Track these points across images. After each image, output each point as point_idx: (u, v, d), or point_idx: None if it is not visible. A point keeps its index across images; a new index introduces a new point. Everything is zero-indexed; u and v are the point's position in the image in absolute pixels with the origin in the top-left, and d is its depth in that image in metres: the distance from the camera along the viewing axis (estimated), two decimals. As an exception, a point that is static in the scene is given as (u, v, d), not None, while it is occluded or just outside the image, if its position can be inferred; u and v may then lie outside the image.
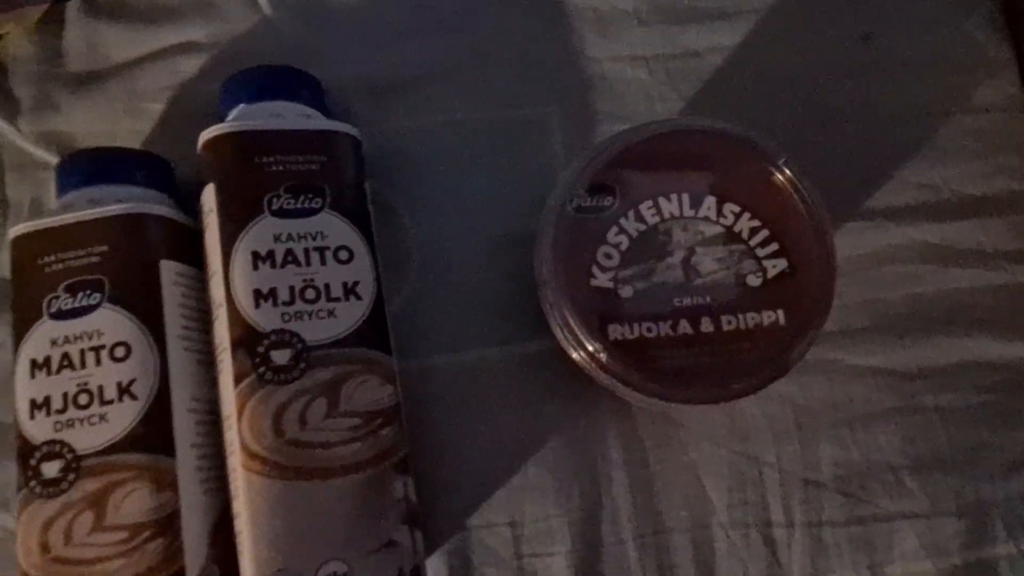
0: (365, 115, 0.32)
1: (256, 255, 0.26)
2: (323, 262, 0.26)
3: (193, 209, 0.28)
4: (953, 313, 0.32)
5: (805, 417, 0.31)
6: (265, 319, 0.25)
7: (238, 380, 0.25)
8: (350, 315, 0.26)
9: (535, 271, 0.26)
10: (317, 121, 0.28)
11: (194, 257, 0.28)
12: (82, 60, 0.33)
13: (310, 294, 0.26)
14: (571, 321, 0.24)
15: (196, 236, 0.28)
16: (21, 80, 0.32)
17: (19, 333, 0.25)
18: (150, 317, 0.26)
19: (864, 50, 0.34)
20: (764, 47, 0.34)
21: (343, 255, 0.27)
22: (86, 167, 0.28)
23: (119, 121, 0.32)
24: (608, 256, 0.25)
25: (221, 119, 0.29)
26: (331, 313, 0.26)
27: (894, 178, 0.33)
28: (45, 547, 0.24)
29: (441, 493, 0.29)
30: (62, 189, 0.28)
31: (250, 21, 0.33)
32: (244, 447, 0.24)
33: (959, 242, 0.32)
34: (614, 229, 0.25)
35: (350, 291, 0.26)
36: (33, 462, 0.24)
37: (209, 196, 0.26)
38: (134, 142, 0.32)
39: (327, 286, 0.26)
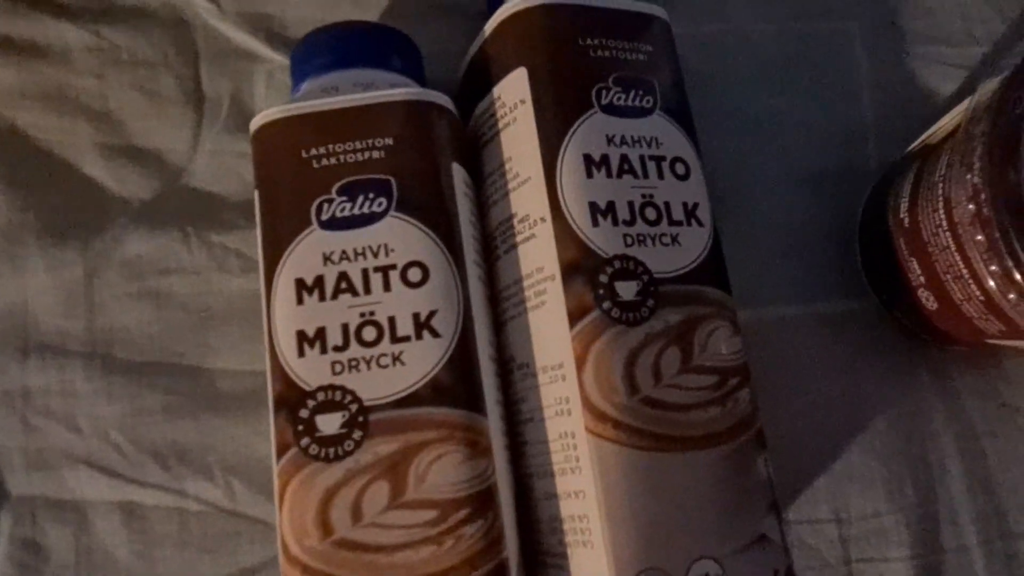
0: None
1: (589, 159, 0.20)
2: (660, 175, 0.21)
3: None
4: None
5: None
6: (605, 241, 0.19)
7: (575, 318, 0.19)
8: (694, 244, 0.20)
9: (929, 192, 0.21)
10: (635, 2, 0.22)
11: (472, 165, 0.22)
12: (293, -69, 0.27)
13: (651, 213, 0.20)
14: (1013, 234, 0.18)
15: (469, 140, 0.23)
16: (220, -50, 0.26)
17: (275, 245, 0.19)
18: (446, 232, 0.20)
19: None
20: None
21: (679, 169, 0.21)
22: (348, 45, 0.22)
23: (339, 5, 0.26)
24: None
25: (491, 5, 0.23)
26: (675, 239, 0.20)
27: None
28: (326, 527, 0.18)
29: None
30: (309, 71, 0.22)
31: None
32: (588, 405, 0.18)
33: None
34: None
35: (690, 214, 0.21)
36: (304, 414, 0.18)
37: (518, 84, 0.21)
38: (356, 34, 0.26)
39: (667, 205, 0.20)
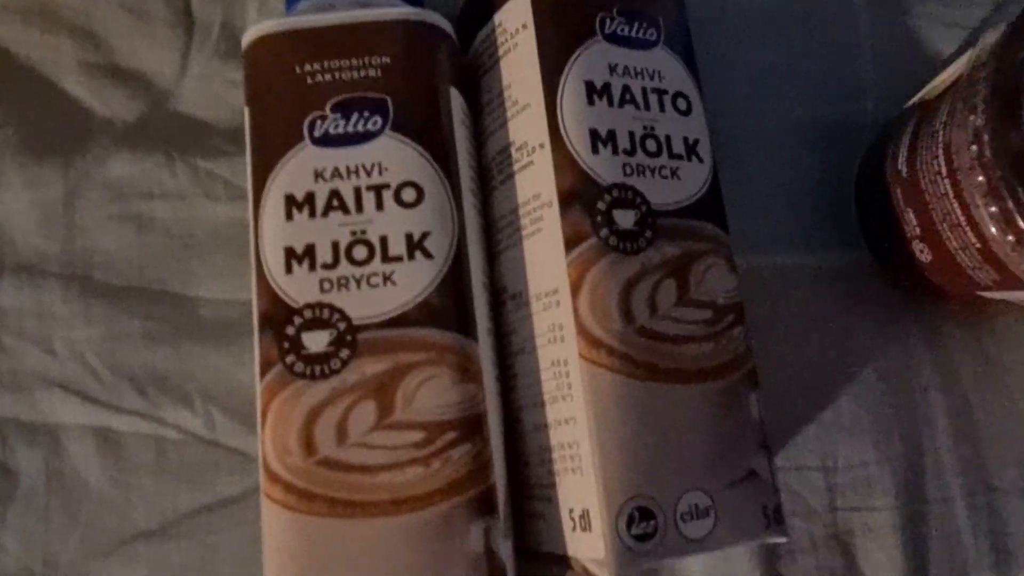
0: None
1: (590, 86, 0.19)
2: (661, 108, 0.20)
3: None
4: None
5: None
6: (605, 169, 0.19)
7: (572, 244, 0.18)
8: (693, 179, 0.20)
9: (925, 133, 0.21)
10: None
11: (470, 96, 0.22)
12: None
13: (651, 145, 0.20)
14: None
15: (468, 70, 0.22)
16: None
17: (265, 160, 0.19)
18: (442, 155, 0.19)
19: None
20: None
21: (681, 104, 0.21)
22: (345, -40, 0.21)
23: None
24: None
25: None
26: (674, 173, 0.20)
27: None
28: (310, 445, 0.17)
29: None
30: (306, -12, 0.21)
31: None
32: (583, 331, 0.18)
33: None
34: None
35: (691, 149, 0.20)
36: (290, 331, 0.18)
37: (520, 9, 0.20)
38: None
39: (668, 138, 0.20)
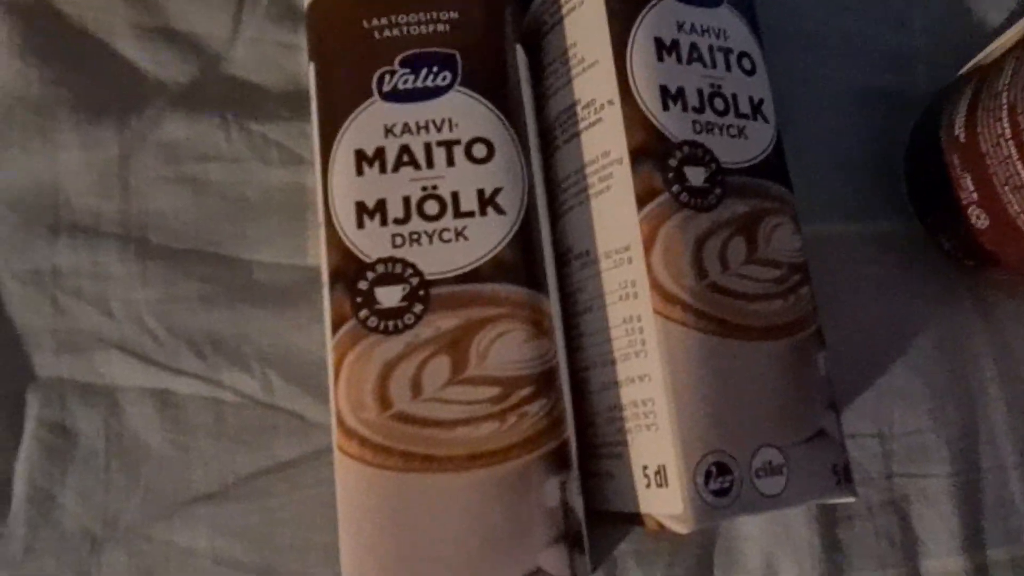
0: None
1: (659, 43, 0.19)
2: (727, 67, 0.20)
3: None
4: None
5: None
6: (675, 126, 0.19)
7: (644, 200, 0.18)
8: (760, 138, 0.20)
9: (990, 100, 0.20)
10: None
11: (531, 52, 0.21)
12: None
13: (719, 103, 0.20)
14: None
15: (529, 31, 0.22)
16: None
17: (333, 117, 0.19)
18: (512, 111, 0.19)
19: None
20: None
21: (746, 64, 0.21)
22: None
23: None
24: None
25: None
26: (741, 132, 0.20)
27: None
28: (384, 400, 0.17)
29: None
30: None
31: None
32: (657, 287, 0.18)
33: None
34: None
35: (756, 109, 0.20)
36: (363, 286, 0.18)
37: (586, -35, 0.20)
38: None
39: (734, 97, 0.20)
